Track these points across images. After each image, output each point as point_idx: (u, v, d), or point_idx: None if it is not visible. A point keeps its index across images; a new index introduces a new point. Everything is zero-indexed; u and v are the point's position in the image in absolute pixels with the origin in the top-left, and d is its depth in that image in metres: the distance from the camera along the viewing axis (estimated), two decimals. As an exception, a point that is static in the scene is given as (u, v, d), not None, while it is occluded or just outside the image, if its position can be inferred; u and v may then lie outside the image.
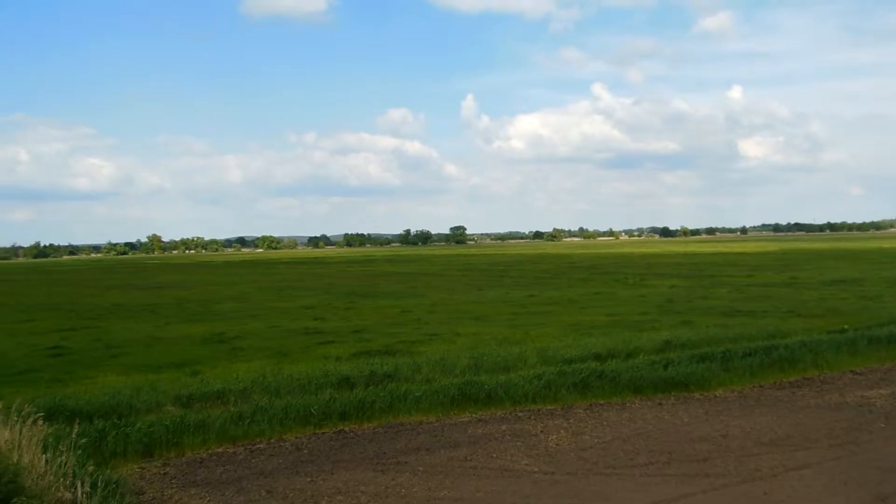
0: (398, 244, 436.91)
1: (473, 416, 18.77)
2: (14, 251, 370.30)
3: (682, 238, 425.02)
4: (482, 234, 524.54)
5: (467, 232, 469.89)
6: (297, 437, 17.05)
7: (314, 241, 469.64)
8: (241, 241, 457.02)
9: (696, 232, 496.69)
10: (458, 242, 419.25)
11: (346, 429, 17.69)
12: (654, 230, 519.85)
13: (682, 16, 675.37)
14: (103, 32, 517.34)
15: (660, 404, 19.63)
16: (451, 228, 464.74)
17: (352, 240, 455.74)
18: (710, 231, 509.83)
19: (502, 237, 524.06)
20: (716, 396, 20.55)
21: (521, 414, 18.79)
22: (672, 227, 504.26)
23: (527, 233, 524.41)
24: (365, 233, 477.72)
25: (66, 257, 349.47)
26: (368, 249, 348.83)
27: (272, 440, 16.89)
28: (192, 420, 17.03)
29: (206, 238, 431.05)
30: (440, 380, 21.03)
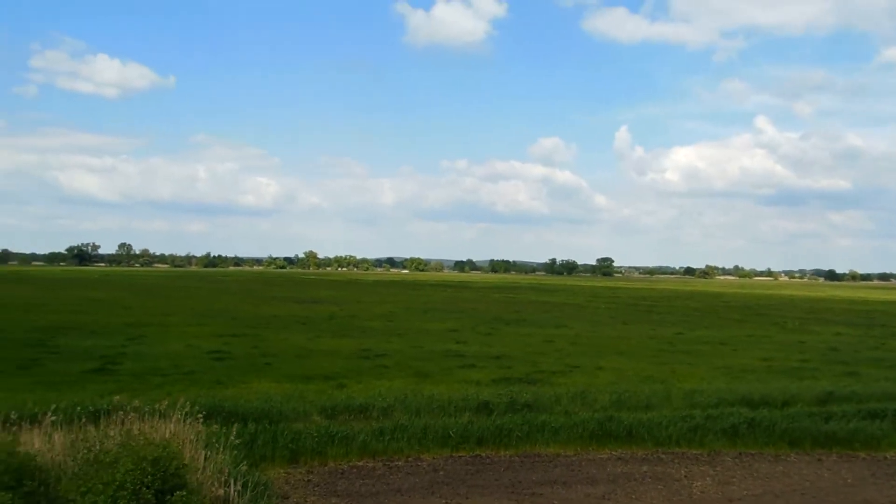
0: (543, 273, 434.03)
1: (613, 453, 18.23)
2: (188, 260, 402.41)
3: (851, 283, 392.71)
4: (630, 268, 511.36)
5: (615, 264, 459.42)
6: (434, 458, 17.27)
7: (460, 265, 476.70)
8: (391, 262, 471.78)
9: (867, 277, 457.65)
10: (604, 274, 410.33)
11: (483, 454, 17.71)
12: (818, 272, 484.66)
13: (861, 46, 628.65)
14: (275, 61, 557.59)
15: (819, 460, 18.18)
16: (598, 260, 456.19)
17: (497, 266, 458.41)
18: (884, 277, 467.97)
19: (651, 271, 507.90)
20: (885, 458, 18.75)
21: (663, 456, 18.03)
22: (839, 271, 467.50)
23: (677, 268, 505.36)
24: (510, 259, 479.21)
25: (231, 268, 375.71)
26: (513, 276, 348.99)
27: (410, 459, 17.20)
28: (336, 431, 17.70)
29: (358, 256, 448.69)
30: (580, 413, 20.61)
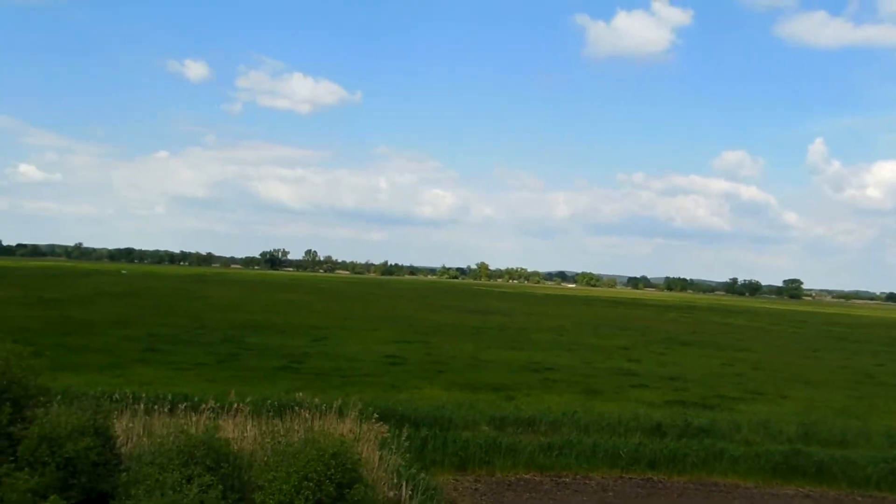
0: (722, 293, 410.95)
1: (800, 490, 16.91)
2: (367, 267, 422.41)
3: None
4: (821, 290, 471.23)
5: (804, 286, 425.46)
6: (602, 478, 16.89)
7: (633, 282, 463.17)
8: (562, 276, 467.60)
9: None
10: (791, 297, 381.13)
11: (655, 478, 17.09)
12: None
13: None
14: (454, 75, 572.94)
15: None
16: (785, 281, 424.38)
17: (673, 283, 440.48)
18: None
19: (846, 296, 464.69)
20: None
21: (860, 499, 16.47)
22: None
23: (878, 293, 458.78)
24: (687, 277, 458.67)
25: (406, 276, 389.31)
26: (690, 295, 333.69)
27: (578, 476, 16.94)
28: (503, 442, 17.81)
29: (529, 269, 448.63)
30: (762, 443, 19.32)
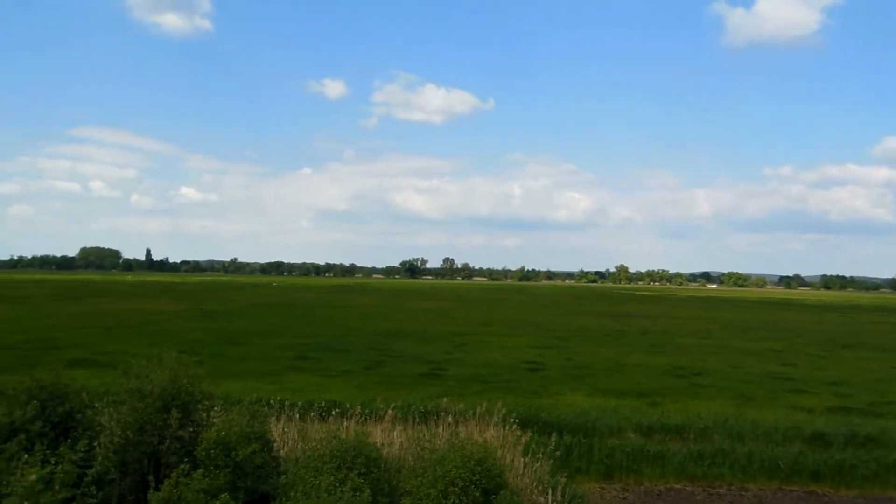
0: (888, 290, 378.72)
1: None
2: (504, 273, 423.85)
3: None
4: None
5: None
6: (760, 489, 16.01)
7: (785, 281, 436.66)
8: (706, 276, 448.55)
9: None
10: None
11: (819, 491, 15.98)
12: None
13: None
14: (586, 77, 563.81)
15: None
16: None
17: (830, 282, 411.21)
18: None
19: None
20: None
21: None
22: None
23: None
24: (847, 275, 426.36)
25: (544, 282, 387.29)
26: (850, 294, 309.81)
27: (733, 487, 16.14)
28: (651, 450, 17.28)
29: (671, 271, 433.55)
30: (944, 455, 17.59)
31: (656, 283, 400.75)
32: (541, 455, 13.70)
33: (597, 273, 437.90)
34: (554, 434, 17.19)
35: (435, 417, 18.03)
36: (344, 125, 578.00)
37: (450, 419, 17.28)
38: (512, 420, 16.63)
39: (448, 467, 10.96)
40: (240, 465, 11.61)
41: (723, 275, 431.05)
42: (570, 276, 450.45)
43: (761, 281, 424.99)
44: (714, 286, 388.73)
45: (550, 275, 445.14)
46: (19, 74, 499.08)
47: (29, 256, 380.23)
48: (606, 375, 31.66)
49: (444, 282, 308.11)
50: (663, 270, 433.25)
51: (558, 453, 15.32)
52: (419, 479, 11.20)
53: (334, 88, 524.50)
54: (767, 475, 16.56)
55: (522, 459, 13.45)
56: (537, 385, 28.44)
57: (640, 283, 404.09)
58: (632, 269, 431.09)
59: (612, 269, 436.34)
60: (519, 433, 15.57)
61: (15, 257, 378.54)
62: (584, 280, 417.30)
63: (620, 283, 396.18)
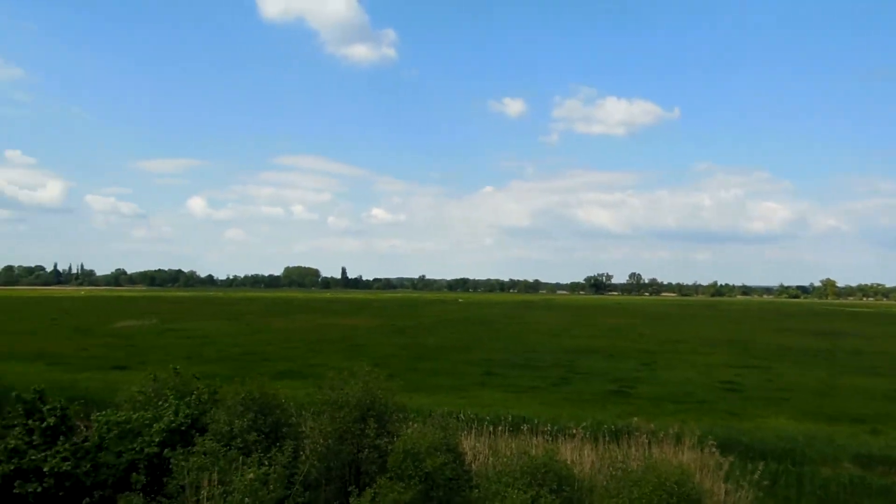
0: None
1: None
2: (695, 288, 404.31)
3: None
4: None
5: None
6: None
7: None
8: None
9: None
10: None
11: None
12: None
13: None
14: (781, 77, 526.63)
15: None
16: None
17: None
18: None
19: None
20: None
21: None
22: None
23: None
24: None
25: (738, 297, 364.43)
26: None
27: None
28: (874, 484, 15.59)
29: (888, 285, 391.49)
30: None
31: (870, 299, 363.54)
32: (745, 483, 12.80)
33: (799, 288, 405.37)
34: (756, 460, 16.03)
35: (626, 437, 17.51)
36: (524, 143, 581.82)
37: (642, 439, 16.71)
38: (710, 442, 15.76)
39: (644, 489, 10.57)
40: (430, 477, 11.92)
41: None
42: (767, 290, 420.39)
43: None
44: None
45: (746, 290, 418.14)
46: (231, 111, 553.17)
47: (242, 276, 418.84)
48: (814, 398, 29.12)
49: (630, 297, 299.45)
50: (878, 285, 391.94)
51: (766, 482, 14.23)
52: (613, 499, 10.90)
53: (514, 107, 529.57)
54: None
55: (723, 486, 12.66)
56: (736, 407, 26.76)
57: (851, 298, 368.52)
58: (840, 284, 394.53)
59: (817, 284, 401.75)
60: (717, 457, 14.70)
61: (230, 277, 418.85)
62: (785, 295, 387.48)
63: (827, 298, 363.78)
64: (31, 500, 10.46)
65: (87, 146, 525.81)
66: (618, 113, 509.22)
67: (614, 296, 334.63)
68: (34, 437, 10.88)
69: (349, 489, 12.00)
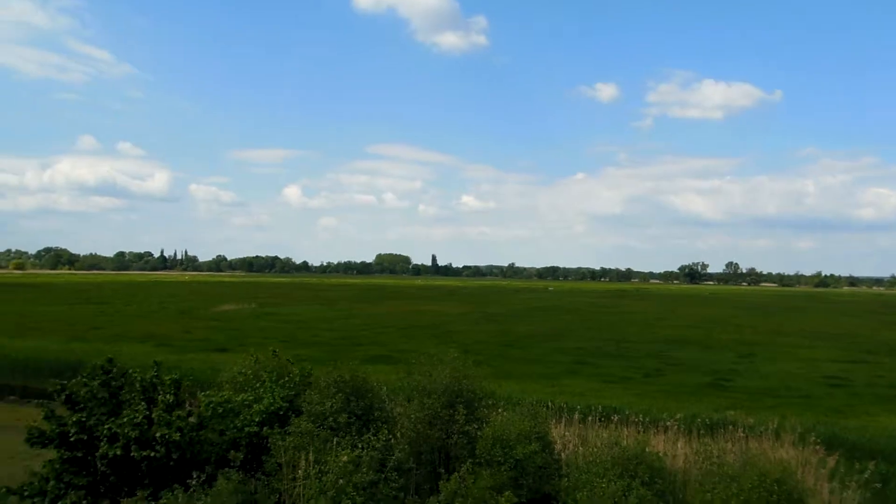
0: None
1: None
2: (797, 279, 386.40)
3: None
4: None
5: None
6: None
7: None
8: None
9: None
10: None
11: None
12: None
13: None
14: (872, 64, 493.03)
15: None
16: None
17: None
18: None
19: None
20: None
21: None
22: None
23: None
24: None
25: (845, 288, 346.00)
26: None
27: None
28: None
29: None
30: None
31: None
32: (852, 483, 12.18)
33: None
34: (864, 460, 15.24)
35: (722, 431, 16.98)
36: (617, 128, 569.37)
37: (739, 433, 16.17)
38: (812, 439, 15.09)
39: (743, 485, 10.22)
40: (520, 464, 11.92)
41: None
42: (877, 282, 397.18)
43: None
44: None
45: (853, 280, 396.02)
46: (325, 102, 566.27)
47: (335, 263, 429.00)
48: (931, 397, 27.41)
49: (727, 287, 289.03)
50: None
51: (876, 484, 13.49)
52: (708, 494, 10.59)
53: (606, 92, 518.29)
54: None
55: (828, 485, 12.09)
56: (841, 403, 25.52)
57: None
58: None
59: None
60: (821, 455, 14.06)
61: (324, 263, 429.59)
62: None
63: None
64: (143, 469, 11.14)
65: (190, 137, 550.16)
66: (715, 96, 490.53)
67: (710, 285, 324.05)
68: (152, 411, 11.57)
69: (439, 472, 12.15)
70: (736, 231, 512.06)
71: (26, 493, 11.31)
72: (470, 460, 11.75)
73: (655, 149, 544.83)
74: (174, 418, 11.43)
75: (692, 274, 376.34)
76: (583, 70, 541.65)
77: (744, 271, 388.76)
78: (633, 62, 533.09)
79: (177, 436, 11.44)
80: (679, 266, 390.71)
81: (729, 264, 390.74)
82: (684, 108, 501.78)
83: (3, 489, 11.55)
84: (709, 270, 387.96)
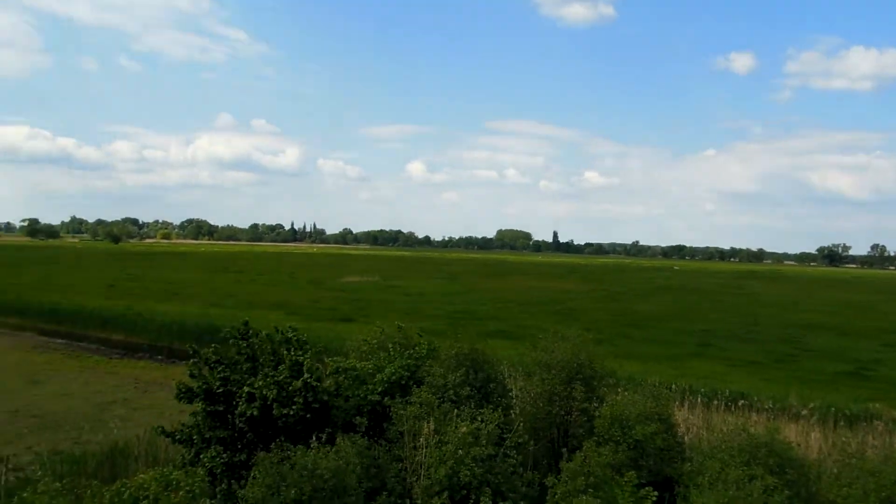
0: None
1: None
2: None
3: None
4: None
5: None
6: None
7: None
8: None
9: None
10: None
11: None
12: None
13: None
14: None
15: None
16: None
17: None
18: None
19: None
20: None
21: None
22: None
23: None
24: None
25: None
26: None
27: None
28: None
29: None
30: None
31: None
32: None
33: None
34: None
35: (863, 423, 15.99)
36: (751, 101, 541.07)
37: (882, 427, 15.18)
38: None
39: (884, 481, 9.58)
40: (640, 445, 11.70)
41: None
42: None
43: None
44: None
45: None
46: (449, 78, 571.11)
47: (456, 237, 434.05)
48: None
49: (871, 271, 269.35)
50: None
51: None
52: (845, 489, 10.00)
53: (742, 62, 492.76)
54: None
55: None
56: None
57: None
58: None
59: None
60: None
61: (446, 238, 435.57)
62: None
63: None
64: (280, 425, 11.83)
65: (319, 114, 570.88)
66: (864, 64, 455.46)
67: (852, 269, 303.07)
68: (284, 373, 12.23)
69: (559, 450, 12.13)
70: (883, 210, 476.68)
71: (177, 437, 12.48)
72: (589, 439, 11.65)
73: (793, 122, 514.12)
74: (315, 381, 12.06)
75: (832, 256, 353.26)
76: (716, 39, 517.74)
77: (891, 254, 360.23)
78: (772, 29, 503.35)
79: (323, 396, 12.15)
80: (817, 247, 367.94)
81: (874, 246, 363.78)
82: (828, 79, 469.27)
83: (160, 428, 12.80)
84: (851, 253, 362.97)
